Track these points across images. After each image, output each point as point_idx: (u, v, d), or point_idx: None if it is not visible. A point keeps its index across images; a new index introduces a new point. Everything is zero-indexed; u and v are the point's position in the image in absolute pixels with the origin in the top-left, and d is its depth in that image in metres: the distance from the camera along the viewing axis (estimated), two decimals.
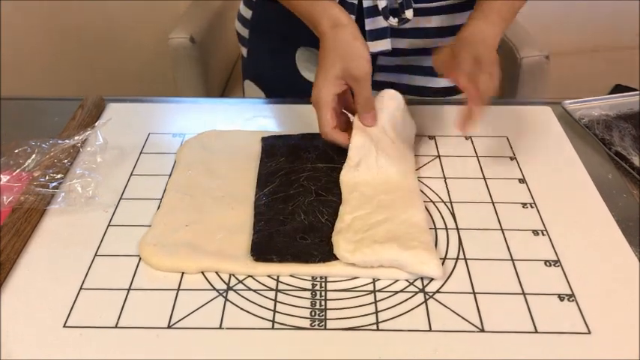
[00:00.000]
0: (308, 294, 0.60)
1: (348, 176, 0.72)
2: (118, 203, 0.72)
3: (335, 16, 0.75)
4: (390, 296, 0.60)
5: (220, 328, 0.57)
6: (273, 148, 0.79)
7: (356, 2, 0.89)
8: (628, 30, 2.01)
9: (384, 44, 0.91)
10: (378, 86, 0.87)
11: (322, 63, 0.74)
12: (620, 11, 2.00)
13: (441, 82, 1.00)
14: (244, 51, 1.09)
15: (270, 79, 1.04)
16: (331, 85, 0.73)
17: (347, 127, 0.77)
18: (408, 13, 0.87)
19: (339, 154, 0.76)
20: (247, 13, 1.04)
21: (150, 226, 0.68)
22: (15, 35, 2.02)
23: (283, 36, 0.87)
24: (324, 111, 0.73)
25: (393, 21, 0.87)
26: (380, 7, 0.88)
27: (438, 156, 0.80)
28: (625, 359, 0.54)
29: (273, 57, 1.02)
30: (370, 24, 0.90)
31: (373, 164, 0.73)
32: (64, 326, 0.57)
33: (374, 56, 0.92)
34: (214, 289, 0.61)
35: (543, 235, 0.67)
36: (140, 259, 0.64)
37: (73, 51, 2.07)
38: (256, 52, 1.06)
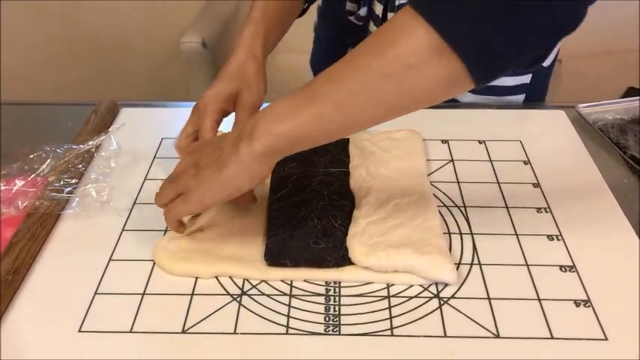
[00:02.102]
0: (322, 299, 0.60)
1: (359, 181, 0.72)
2: (132, 208, 0.72)
3: (254, 47, 0.76)
4: (404, 302, 0.60)
5: (234, 333, 0.57)
6: None
7: (381, 15, 0.89)
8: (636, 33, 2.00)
9: None
10: None
11: (221, 77, 0.74)
12: (632, 14, 1.99)
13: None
14: (312, 37, 1.12)
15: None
16: (221, 101, 0.72)
17: None
18: None
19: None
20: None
21: (163, 230, 0.68)
22: (27, 40, 2.03)
23: (338, 33, 0.87)
24: (208, 114, 0.72)
25: None
26: None
27: (452, 160, 0.80)
28: None
29: (329, 49, 1.04)
30: None
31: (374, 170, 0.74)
32: (79, 331, 0.57)
33: None
34: (228, 293, 0.61)
35: (558, 239, 0.67)
36: (154, 263, 0.64)
37: (85, 56, 2.08)
38: (318, 41, 1.08)
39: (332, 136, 0.58)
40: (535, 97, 0.98)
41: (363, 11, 0.90)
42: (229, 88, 0.73)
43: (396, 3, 0.86)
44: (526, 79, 0.95)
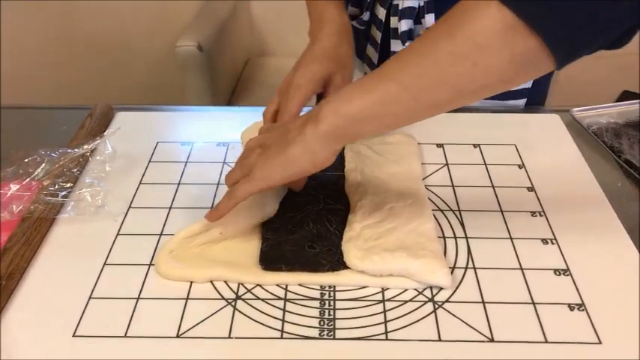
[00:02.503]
0: (317, 303, 0.60)
1: (354, 185, 0.73)
2: (127, 212, 0.72)
3: (344, 23, 0.75)
4: (399, 306, 0.60)
5: (229, 337, 0.57)
6: None
7: (383, 20, 0.89)
8: (635, 35, 2.00)
9: None
10: None
11: (316, 56, 0.73)
12: None
13: None
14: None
15: None
16: (314, 83, 0.72)
17: None
18: None
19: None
20: None
21: (157, 234, 0.68)
22: (22, 43, 2.03)
23: None
24: (298, 94, 0.71)
25: None
26: (399, 31, 0.86)
27: (447, 164, 0.80)
28: None
29: None
30: (394, 45, 0.89)
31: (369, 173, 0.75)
32: (74, 335, 0.57)
33: None
34: (223, 298, 0.61)
35: (552, 243, 0.67)
36: (149, 268, 0.64)
37: (80, 59, 2.09)
38: None
39: (397, 120, 0.57)
40: (536, 101, 0.98)
41: (365, 16, 0.89)
42: (325, 70, 0.72)
43: (399, 7, 0.86)
44: (527, 83, 0.95)
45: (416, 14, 0.85)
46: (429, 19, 0.84)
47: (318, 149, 0.58)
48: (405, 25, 0.85)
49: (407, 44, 0.81)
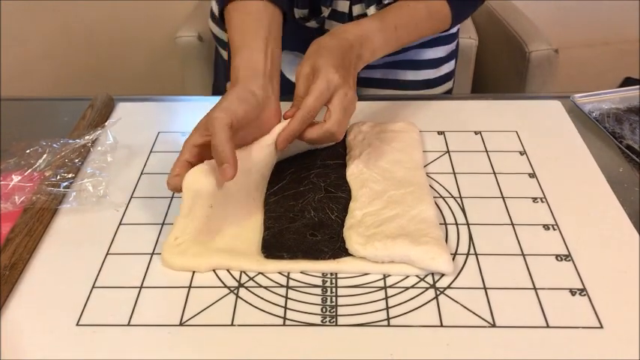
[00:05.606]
0: (319, 290, 0.60)
1: (356, 173, 0.73)
2: (129, 202, 0.72)
3: (236, 74, 0.73)
4: (400, 292, 0.60)
5: (232, 325, 0.57)
6: None
7: (347, 11, 0.91)
8: (637, 22, 1.99)
9: None
10: (360, 83, 0.96)
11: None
12: (629, 4, 1.98)
13: (420, 75, 1.01)
14: (225, 54, 1.04)
15: None
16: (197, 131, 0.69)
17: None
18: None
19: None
20: None
21: (159, 224, 0.69)
22: (22, 35, 2.02)
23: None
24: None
25: None
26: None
27: (448, 151, 0.80)
28: (638, 354, 0.54)
29: None
30: None
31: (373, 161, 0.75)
32: (77, 325, 0.57)
33: None
34: (225, 286, 0.61)
35: (554, 229, 0.67)
36: (151, 257, 0.64)
37: (81, 50, 2.08)
38: None
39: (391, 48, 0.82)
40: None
41: (325, 12, 0.90)
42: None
43: None
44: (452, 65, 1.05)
45: None
46: None
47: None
48: (373, 9, 0.88)
49: None
